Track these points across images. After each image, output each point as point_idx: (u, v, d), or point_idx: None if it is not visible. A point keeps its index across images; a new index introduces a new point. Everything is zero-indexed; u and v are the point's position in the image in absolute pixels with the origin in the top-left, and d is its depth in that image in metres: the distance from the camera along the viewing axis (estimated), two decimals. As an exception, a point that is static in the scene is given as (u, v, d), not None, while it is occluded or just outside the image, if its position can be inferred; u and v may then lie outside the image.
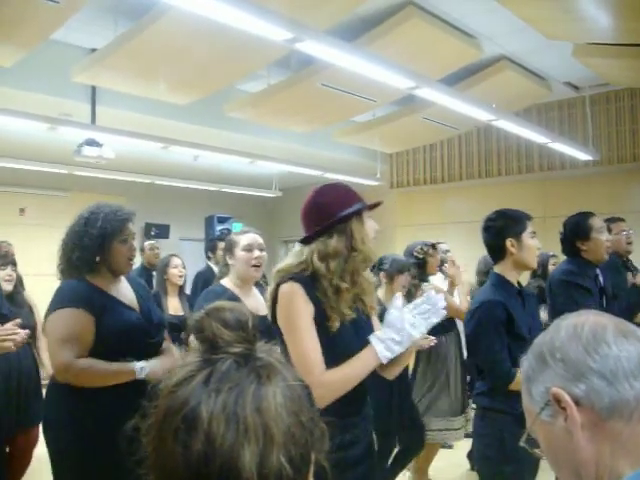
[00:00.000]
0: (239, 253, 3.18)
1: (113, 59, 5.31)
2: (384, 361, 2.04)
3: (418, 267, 4.76)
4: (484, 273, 5.15)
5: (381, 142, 9.01)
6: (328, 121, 7.63)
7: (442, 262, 5.04)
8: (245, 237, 3.22)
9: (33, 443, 4.26)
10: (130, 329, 2.61)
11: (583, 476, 0.96)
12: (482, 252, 5.36)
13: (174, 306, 4.98)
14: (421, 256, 4.79)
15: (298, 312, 2.06)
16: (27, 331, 2.89)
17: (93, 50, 6.02)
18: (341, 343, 2.09)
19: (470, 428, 4.54)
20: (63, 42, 6.00)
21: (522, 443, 1.07)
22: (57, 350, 2.50)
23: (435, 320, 2.10)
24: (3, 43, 4.88)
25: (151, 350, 2.74)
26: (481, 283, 5.18)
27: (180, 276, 5.10)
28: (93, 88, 6.45)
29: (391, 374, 2.26)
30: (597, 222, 3.67)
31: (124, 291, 2.77)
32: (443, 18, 5.83)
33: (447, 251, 5.50)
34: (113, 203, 2.81)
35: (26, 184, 9.11)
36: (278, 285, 2.13)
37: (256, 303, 3.15)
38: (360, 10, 5.50)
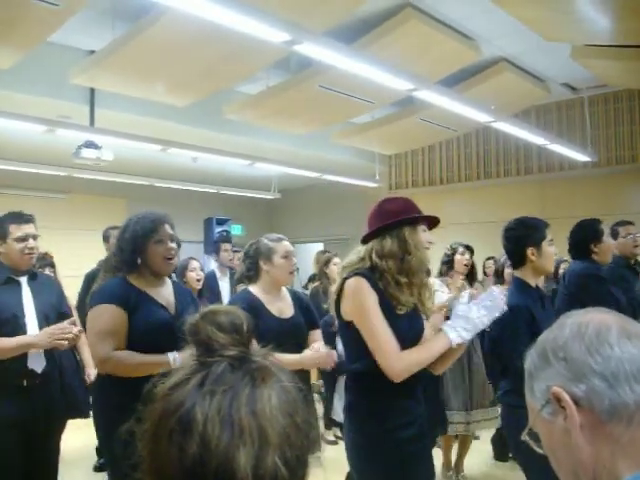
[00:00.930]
0: (279, 261, 3.27)
1: (111, 61, 5.32)
2: (454, 345, 2.33)
3: (445, 264, 4.99)
4: (495, 272, 5.40)
5: (380, 144, 9.02)
6: (327, 123, 7.64)
7: (472, 270, 5.08)
8: (283, 245, 3.32)
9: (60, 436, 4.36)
10: (158, 326, 2.75)
11: (581, 476, 0.95)
12: (481, 253, 5.42)
13: None
14: (449, 252, 4.98)
15: (367, 301, 2.34)
16: (80, 329, 3.13)
17: (91, 52, 6.02)
18: (404, 328, 2.37)
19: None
20: (61, 44, 6.01)
21: (524, 437, 1.06)
22: (96, 344, 2.71)
23: (497, 314, 2.39)
24: (1, 45, 4.89)
25: (179, 349, 2.79)
26: (495, 283, 5.29)
27: (198, 279, 5.11)
28: (92, 90, 6.45)
29: (439, 370, 2.52)
30: (605, 228, 4.02)
31: (164, 293, 2.92)
32: (441, 20, 5.84)
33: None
34: (151, 209, 2.99)
35: (25, 186, 9.11)
36: (344, 280, 2.42)
37: (284, 306, 3.29)
38: (358, 12, 5.51)
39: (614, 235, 4.54)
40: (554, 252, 3.05)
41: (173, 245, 2.90)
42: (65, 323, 3.11)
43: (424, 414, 2.50)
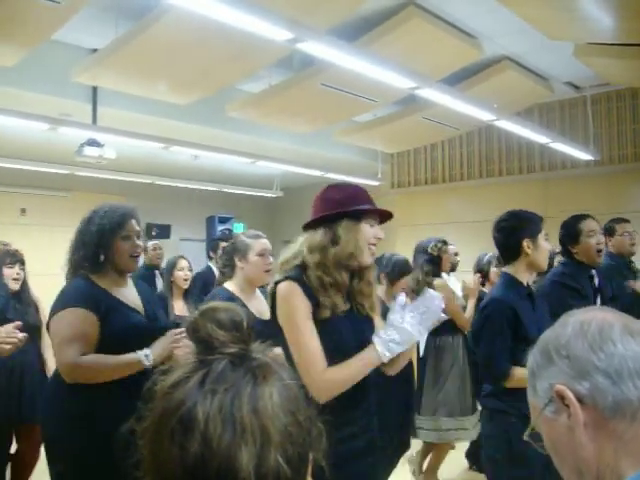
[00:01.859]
0: (253, 258, 3.18)
1: (114, 59, 5.31)
2: (385, 360, 2.09)
3: (432, 264, 4.77)
4: (477, 272, 5.22)
5: (382, 142, 9.01)
6: (329, 121, 7.63)
7: (452, 264, 5.03)
8: (259, 243, 3.24)
9: (39, 440, 4.32)
10: (135, 331, 2.61)
11: (584, 473, 0.95)
12: (483, 252, 5.40)
13: (179, 308, 4.97)
14: (435, 253, 4.80)
15: (296, 310, 2.10)
16: (25, 335, 2.83)
17: (94, 50, 6.02)
18: (333, 333, 2.12)
19: None
20: (64, 42, 6.01)
21: (526, 437, 1.06)
22: (62, 351, 2.50)
23: (432, 321, 2.16)
24: (4, 43, 4.89)
25: None
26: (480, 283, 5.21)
27: (185, 279, 5.09)
28: (94, 88, 6.45)
29: (392, 370, 2.27)
30: (588, 225, 3.62)
31: (129, 294, 2.77)
32: (444, 18, 5.83)
33: (456, 254, 5.50)
34: (116, 202, 2.84)
35: (27, 184, 9.12)
36: (276, 284, 2.17)
37: (260, 306, 3.15)
38: (361, 10, 5.50)
39: (610, 232, 4.42)
40: (549, 248, 2.92)
41: (139, 242, 2.76)
42: (10, 326, 2.85)
43: (373, 425, 2.27)
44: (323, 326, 2.10)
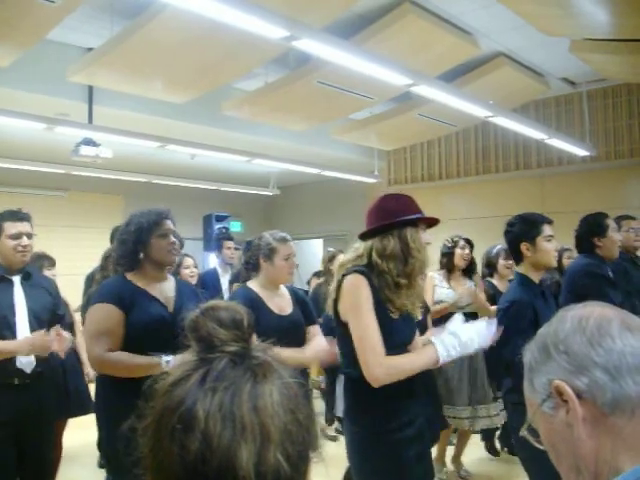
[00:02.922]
0: (279, 262, 3.29)
1: (110, 58, 5.30)
2: (441, 363, 2.31)
3: (444, 256, 4.96)
4: (485, 265, 5.32)
5: (378, 139, 9.01)
6: (325, 119, 7.63)
7: (471, 264, 5.07)
8: (286, 247, 3.34)
9: (60, 435, 4.42)
10: (154, 324, 2.75)
11: (582, 470, 0.95)
12: (480, 248, 5.41)
13: None
14: (449, 245, 4.96)
15: (363, 299, 2.29)
16: (70, 337, 3.21)
17: (89, 49, 6.02)
18: (396, 333, 2.34)
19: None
20: (59, 42, 6.00)
21: (523, 433, 1.06)
22: (90, 344, 2.73)
23: (482, 345, 2.39)
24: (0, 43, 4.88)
25: (175, 347, 2.77)
26: (484, 275, 5.26)
27: (192, 276, 5.13)
28: (90, 87, 6.44)
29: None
30: (612, 222, 4.02)
31: (164, 289, 2.93)
32: (439, 15, 5.83)
33: (472, 260, 5.50)
34: (154, 206, 3.03)
35: (23, 184, 9.11)
36: (343, 277, 2.37)
37: (282, 302, 3.30)
38: (357, 7, 5.50)
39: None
40: (554, 248, 3.04)
41: (175, 240, 2.93)
42: (52, 331, 3.12)
43: (423, 413, 2.48)
44: (386, 324, 2.30)
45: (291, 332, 3.13)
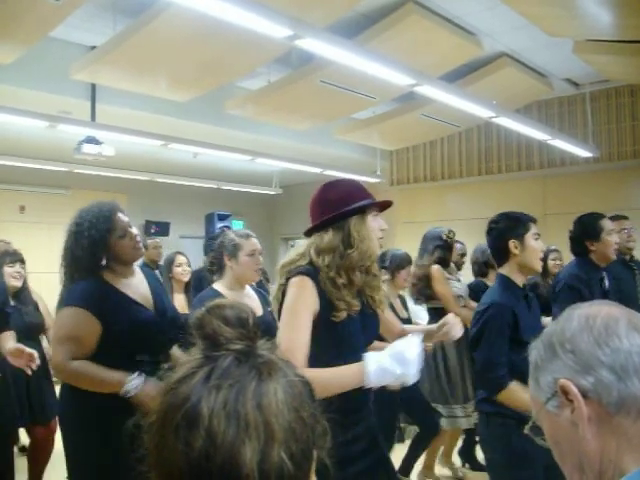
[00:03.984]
0: (243, 258, 3.18)
1: (113, 56, 5.31)
2: (366, 386, 1.96)
3: (443, 250, 4.82)
4: (481, 262, 5.16)
5: (381, 139, 9.01)
6: (328, 118, 7.63)
7: (457, 263, 5.05)
8: (249, 242, 3.23)
9: (51, 435, 4.38)
10: (142, 327, 2.61)
11: (586, 469, 0.95)
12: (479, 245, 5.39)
13: (180, 303, 4.99)
14: (449, 240, 4.85)
15: (301, 305, 2.06)
16: (35, 353, 3.05)
17: (93, 47, 6.02)
18: (346, 334, 2.10)
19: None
20: (62, 39, 6.00)
21: (526, 431, 1.06)
22: (55, 349, 2.55)
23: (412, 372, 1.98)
24: (2, 40, 4.88)
25: (164, 347, 2.75)
26: (478, 273, 5.20)
27: (183, 274, 5.12)
28: (93, 86, 6.44)
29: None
30: (608, 224, 3.76)
31: (138, 286, 2.76)
32: (443, 15, 5.83)
33: (463, 254, 5.49)
34: (95, 204, 2.74)
35: (26, 182, 9.12)
36: (287, 279, 2.14)
37: (251, 303, 3.14)
38: (360, 7, 5.50)
39: None
40: (541, 248, 2.85)
41: (134, 230, 2.73)
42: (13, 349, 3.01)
43: (374, 424, 2.26)
44: (337, 327, 2.09)
45: (264, 335, 3.07)
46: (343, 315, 2.10)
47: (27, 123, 6.21)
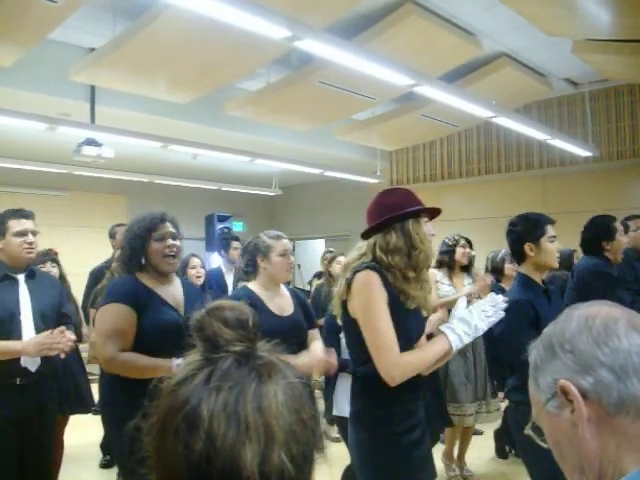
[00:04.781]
0: (276, 258, 3.28)
1: (112, 58, 5.31)
2: (454, 350, 2.27)
3: (445, 254, 4.96)
4: (491, 270, 5.33)
5: (381, 140, 9.01)
6: (328, 119, 7.63)
7: (470, 262, 5.08)
8: (281, 243, 3.33)
9: (61, 433, 4.38)
10: (166, 327, 2.75)
11: (586, 470, 0.94)
12: (482, 249, 5.41)
13: None
14: (451, 243, 4.96)
15: (375, 297, 2.25)
16: (74, 337, 3.16)
17: (92, 49, 6.02)
18: (406, 325, 2.31)
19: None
20: (62, 42, 6.00)
21: (527, 431, 1.06)
22: (102, 344, 2.73)
23: (495, 319, 2.35)
24: (1, 43, 4.88)
25: (187, 349, 2.77)
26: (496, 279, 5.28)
27: (198, 277, 5.15)
28: (92, 87, 6.45)
29: (427, 372, 2.43)
30: (619, 226, 4.03)
31: (173, 291, 2.94)
32: (442, 15, 5.83)
33: (471, 258, 5.51)
34: (153, 209, 3.00)
35: (25, 184, 9.12)
36: (354, 274, 2.31)
37: (283, 303, 3.29)
38: (359, 8, 5.50)
39: (625, 229, 4.56)
40: (557, 249, 3.01)
41: (174, 242, 2.90)
42: (56, 331, 3.07)
43: (424, 416, 2.46)
44: (400, 318, 2.27)
45: (292, 333, 3.11)
46: (413, 305, 2.34)
47: (26, 125, 6.21)
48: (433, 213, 2.48)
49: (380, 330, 2.23)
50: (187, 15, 4.22)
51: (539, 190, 9.28)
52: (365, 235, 2.43)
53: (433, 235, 2.43)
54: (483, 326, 2.30)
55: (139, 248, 2.86)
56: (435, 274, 4.89)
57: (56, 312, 3.38)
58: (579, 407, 0.93)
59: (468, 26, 6.17)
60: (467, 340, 2.29)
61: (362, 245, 2.44)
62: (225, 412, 0.74)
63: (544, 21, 5.45)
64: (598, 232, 4.00)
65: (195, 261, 5.20)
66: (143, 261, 2.88)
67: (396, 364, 2.19)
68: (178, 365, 2.57)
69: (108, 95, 6.43)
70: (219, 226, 9.64)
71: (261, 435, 0.74)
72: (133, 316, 2.72)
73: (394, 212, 2.33)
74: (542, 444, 1.04)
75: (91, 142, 6.65)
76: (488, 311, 2.32)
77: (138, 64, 5.45)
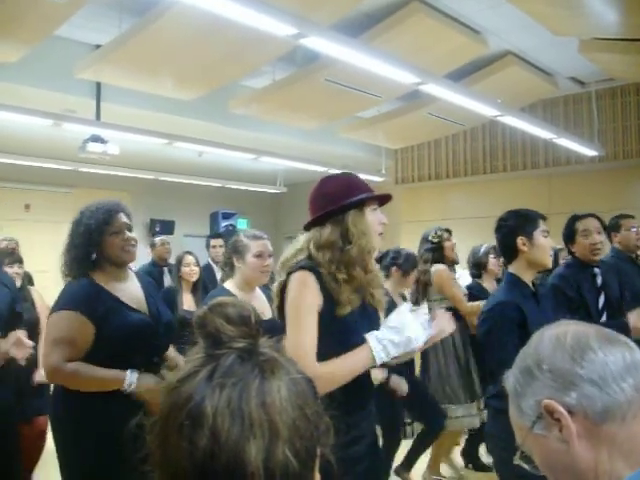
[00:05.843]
0: (250, 259, 3.16)
1: (117, 55, 5.32)
2: (378, 362, 2.02)
3: (432, 252, 4.78)
4: (472, 265, 5.16)
5: (386, 138, 9.01)
6: (333, 117, 7.63)
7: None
8: (257, 244, 3.20)
9: (39, 433, 4.36)
10: (135, 332, 2.59)
11: None
12: (477, 245, 5.38)
13: (188, 302, 5.03)
14: (436, 240, 4.81)
15: (304, 301, 2.05)
16: (32, 343, 3.05)
17: (98, 46, 6.02)
18: (348, 330, 2.08)
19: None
20: (67, 38, 6.01)
21: (516, 461, 1.06)
22: (48, 352, 2.53)
23: (425, 337, 2.10)
24: (7, 39, 4.89)
25: (158, 351, 2.74)
26: (472, 275, 5.17)
27: (192, 273, 5.14)
28: (98, 84, 6.45)
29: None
30: (584, 224, 3.67)
31: (132, 290, 2.75)
32: (448, 13, 5.82)
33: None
34: (103, 199, 2.78)
35: (31, 180, 9.13)
36: (289, 274, 2.11)
37: (260, 305, 3.13)
38: (365, 5, 5.49)
39: (616, 229, 4.45)
40: (550, 245, 2.85)
41: (131, 234, 2.73)
42: (10, 336, 2.98)
43: (373, 428, 2.27)
44: (339, 322, 2.07)
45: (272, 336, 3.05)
46: (346, 310, 2.07)
47: (32, 122, 6.22)
48: (382, 199, 2.24)
49: (298, 336, 2.03)
50: (193, 12, 4.23)
51: (544, 189, 9.26)
52: (307, 228, 2.24)
53: (384, 224, 2.20)
54: (417, 344, 2.06)
55: (93, 243, 2.64)
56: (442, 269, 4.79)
57: (8, 310, 3.28)
58: (567, 424, 0.94)
59: (474, 25, 6.16)
60: (394, 352, 2.02)
61: (300, 239, 2.24)
62: (229, 408, 0.74)
63: (550, 20, 5.43)
64: (563, 234, 3.76)
65: (189, 258, 5.18)
66: (93, 256, 2.67)
67: (313, 374, 1.96)
68: (130, 384, 2.46)
69: (113, 92, 6.44)
70: (224, 223, 9.67)
71: (265, 431, 0.74)
72: (87, 325, 2.50)
73: (334, 203, 2.12)
74: (534, 472, 1.04)
75: (96, 139, 6.65)
76: (426, 323, 2.11)
77: (143, 61, 5.45)
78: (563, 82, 8.11)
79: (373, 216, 2.17)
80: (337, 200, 2.12)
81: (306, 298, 2.05)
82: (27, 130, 6.99)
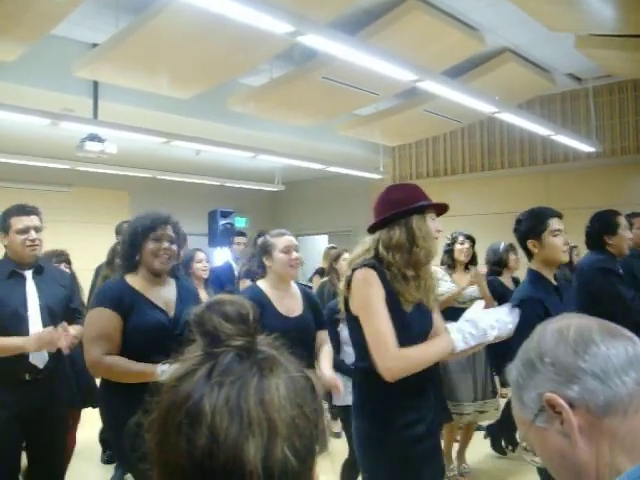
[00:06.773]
0: (278, 255, 3.27)
1: (115, 54, 5.31)
2: (457, 350, 2.26)
3: (445, 253, 5.01)
4: (493, 263, 5.32)
5: (384, 135, 9.00)
6: (331, 114, 7.62)
7: (473, 259, 5.07)
8: (282, 239, 3.31)
9: (73, 432, 4.38)
10: (153, 330, 2.76)
11: (584, 478, 0.96)
12: (486, 244, 5.40)
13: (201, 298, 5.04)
14: (449, 242, 5.00)
15: (372, 294, 2.27)
16: (75, 332, 3.20)
17: (95, 45, 6.01)
18: (411, 325, 2.32)
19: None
20: (65, 37, 6.00)
21: (518, 452, 1.06)
22: (88, 347, 2.75)
23: (505, 334, 2.33)
24: (4, 38, 4.88)
25: (173, 350, 2.77)
26: (491, 273, 5.27)
27: (204, 270, 5.15)
28: (95, 83, 6.44)
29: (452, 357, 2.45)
30: (623, 220, 4.02)
31: (163, 293, 2.92)
32: (445, 10, 5.82)
33: (471, 255, 5.48)
34: (157, 208, 3.02)
35: (28, 180, 9.12)
36: (353, 272, 2.34)
37: (293, 304, 3.28)
38: (362, 3, 5.49)
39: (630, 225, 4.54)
40: (562, 242, 2.92)
41: (169, 246, 2.89)
42: (58, 327, 3.11)
43: (431, 410, 2.44)
44: (399, 317, 2.28)
45: (297, 335, 3.09)
46: (410, 307, 2.33)
47: (29, 121, 6.22)
48: (440, 209, 2.47)
49: (378, 327, 2.23)
50: (190, 10, 4.22)
51: (542, 186, 9.27)
52: (371, 230, 2.43)
53: (439, 231, 2.42)
54: (491, 334, 2.28)
55: (136, 244, 2.87)
56: (437, 272, 4.87)
57: (64, 307, 3.40)
58: (568, 417, 0.94)
59: (471, 21, 6.15)
60: (472, 342, 2.26)
61: (367, 240, 2.45)
62: (227, 407, 0.74)
63: (547, 16, 5.43)
64: (600, 227, 4.01)
65: (200, 255, 5.20)
66: (137, 257, 2.88)
67: (393, 358, 2.18)
68: (162, 372, 2.59)
69: (111, 90, 6.43)
70: (222, 222, 9.64)
71: (264, 429, 0.73)
72: (118, 320, 2.73)
73: (399, 208, 2.33)
74: (536, 463, 1.05)
75: (94, 138, 6.65)
76: (501, 322, 2.31)
77: (141, 59, 5.44)
78: (560, 79, 8.11)
79: (432, 224, 2.40)
80: (402, 205, 2.35)
81: (373, 292, 2.27)
82: (24, 129, 6.99)
